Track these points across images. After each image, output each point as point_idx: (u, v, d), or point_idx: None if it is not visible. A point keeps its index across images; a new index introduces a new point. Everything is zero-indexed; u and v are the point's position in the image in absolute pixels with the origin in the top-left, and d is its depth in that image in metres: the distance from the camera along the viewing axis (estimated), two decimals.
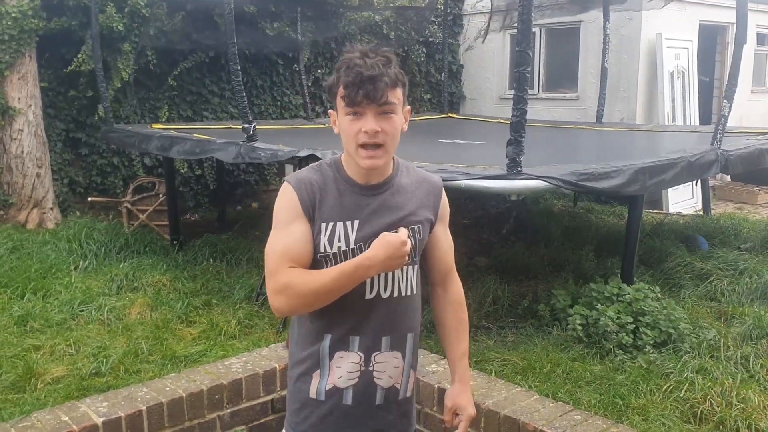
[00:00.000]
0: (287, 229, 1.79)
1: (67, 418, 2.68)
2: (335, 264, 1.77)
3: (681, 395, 3.76)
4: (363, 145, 1.73)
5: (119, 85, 7.78)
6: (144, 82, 8.26)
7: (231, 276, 6.08)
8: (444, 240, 2.00)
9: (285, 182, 1.84)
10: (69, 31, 7.50)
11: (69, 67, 7.49)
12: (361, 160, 1.76)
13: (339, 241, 1.78)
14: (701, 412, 3.59)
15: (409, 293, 1.89)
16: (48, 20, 7.34)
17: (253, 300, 5.49)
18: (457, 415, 2.02)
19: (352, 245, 1.79)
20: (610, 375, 4.10)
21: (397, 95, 1.74)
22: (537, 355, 4.37)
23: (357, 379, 1.85)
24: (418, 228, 1.88)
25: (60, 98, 7.88)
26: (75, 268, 6.19)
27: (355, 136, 1.73)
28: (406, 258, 1.74)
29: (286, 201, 1.81)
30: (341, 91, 1.71)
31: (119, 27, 7.45)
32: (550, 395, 3.54)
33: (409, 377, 1.94)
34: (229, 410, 3.04)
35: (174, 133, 6.75)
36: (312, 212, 1.80)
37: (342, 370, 1.84)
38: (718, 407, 3.58)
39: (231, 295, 5.63)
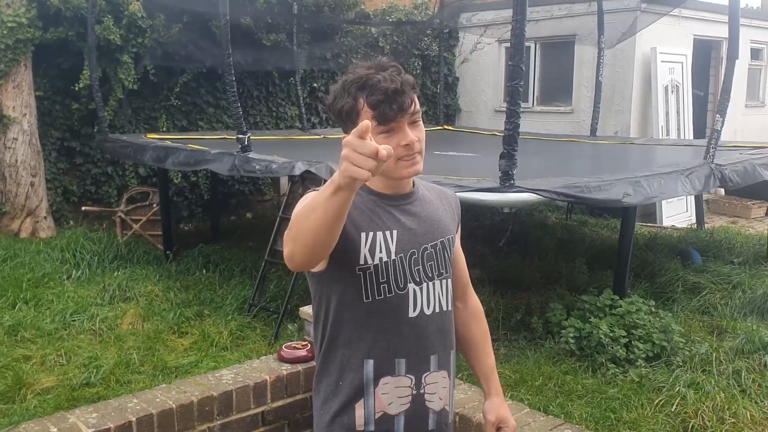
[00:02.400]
0: None
1: (55, 429, 2.66)
2: (374, 278, 1.67)
3: (673, 409, 3.76)
4: (401, 158, 1.64)
5: (121, 96, 7.78)
6: (139, 91, 8.26)
7: (224, 287, 6.06)
8: (461, 252, 1.95)
9: (312, 189, 1.67)
10: (66, 42, 7.50)
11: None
12: (403, 171, 1.66)
13: (381, 251, 1.66)
14: (692, 426, 3.59)
15: (449, 308, 1.81)
16: (45, 30, 7.35)
17: (246, 311, 5.48)
18: (499, 428, 1.95)
19: (393, 256, 1.68)
20: (602, 388, 4.10)
21: (417, 101, 1.70)
22: (529, 368, 4.37)
23: (409, 405, 1.72)
24: (449, 239, 1.81)
25: (56, 107, 7.88)
26: (68, 278, 6.18)
27: (394, 153, 1.58)
28: (366, 155, 1.27)
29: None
30: (368, 111, 1.61)
31: (116, 38, 7.45)
32: (541, 408, 3.54)
33: (453, 397, 1.85)
34: (219, 422, 3.02)
35: (169, 143, 6.75)
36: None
37: (391, 396, 1.71)
38: (709, 422, 3.58)
39: (223, 306, 5.61)
